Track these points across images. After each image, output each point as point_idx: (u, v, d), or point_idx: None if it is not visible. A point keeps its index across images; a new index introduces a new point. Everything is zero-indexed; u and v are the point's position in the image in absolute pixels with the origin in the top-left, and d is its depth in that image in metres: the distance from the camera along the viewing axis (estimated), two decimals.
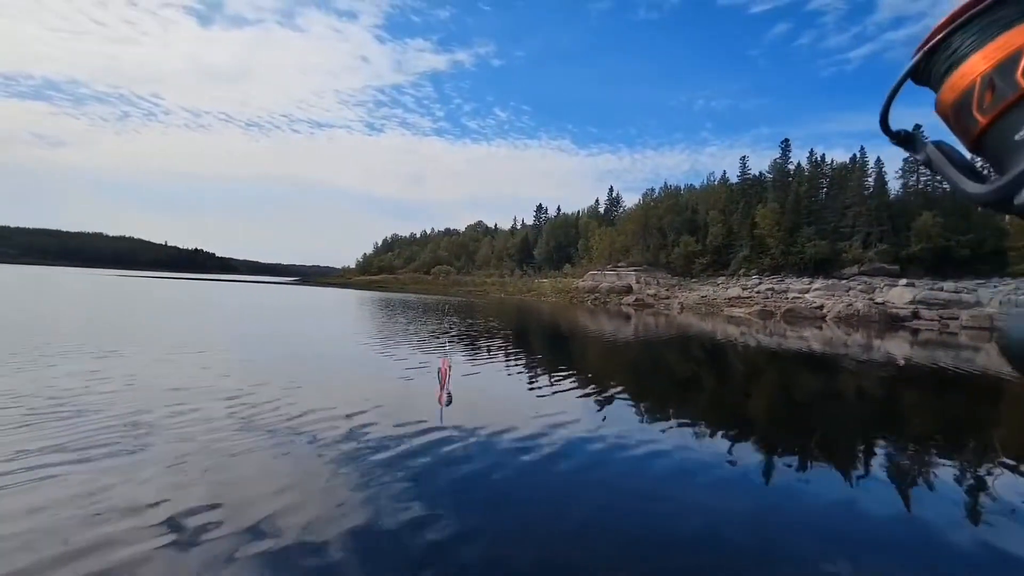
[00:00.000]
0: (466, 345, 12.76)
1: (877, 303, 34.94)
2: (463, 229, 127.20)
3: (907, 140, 0.54)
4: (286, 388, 6.85)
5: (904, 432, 6.76)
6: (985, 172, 0.44)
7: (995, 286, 34.71)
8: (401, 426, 5.37)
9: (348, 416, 5.64)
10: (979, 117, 0.43)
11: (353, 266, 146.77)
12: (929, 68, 0.49)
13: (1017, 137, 0.39)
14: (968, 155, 0.47)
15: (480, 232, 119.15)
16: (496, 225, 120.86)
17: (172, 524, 3.11)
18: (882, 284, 38.51)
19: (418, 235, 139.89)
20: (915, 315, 32.48)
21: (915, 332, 25.90)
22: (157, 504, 3.35)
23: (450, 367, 4.02)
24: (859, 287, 38.87)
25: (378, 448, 4.66)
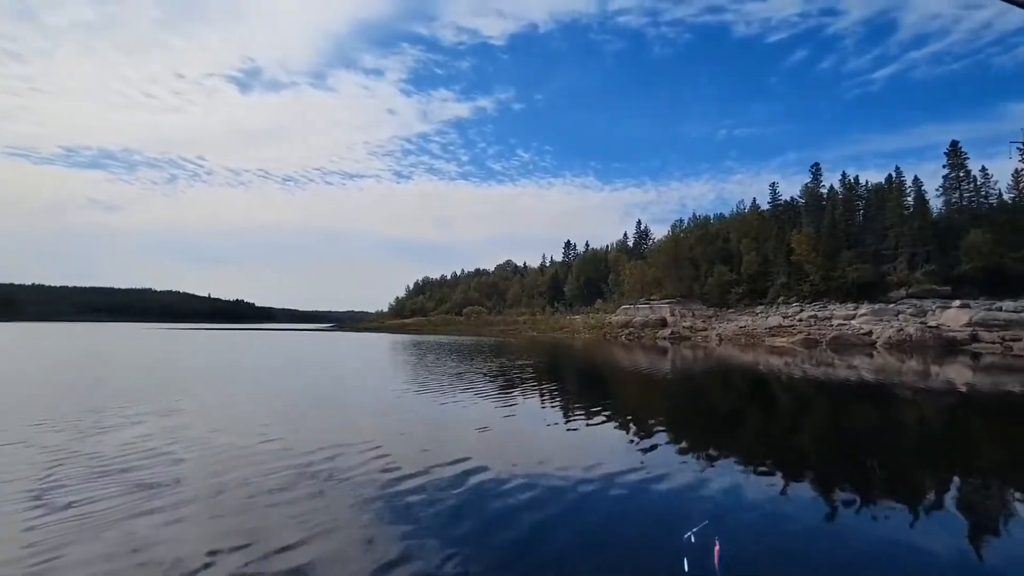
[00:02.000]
0: (513, 385, 12.68)
1: (930, 327, 33.12)
2: (492, 269, 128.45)
3: None
4: (332, 436, 6.92)
5: (971, 466, 6.27)
6: None
7: None
8: (453, 476, 5.33)
9: (409, 468, 5.63)
10: None
11: (386, 310, 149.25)
12: None
13: None
14: None
15: (509, 271, 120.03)
16: (525, 264, 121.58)
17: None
18: (934, 306, 36.56)
19: (448, 277, 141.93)
20: (974, 338, 30.57)
21: (976, 356, 24.32)
22: (205, 555, 3.39)
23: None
24: (909, 310, 36.99)
25: (432, 500, 4.63)
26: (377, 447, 6.23)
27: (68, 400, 9.86)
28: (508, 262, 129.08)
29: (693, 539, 3.17)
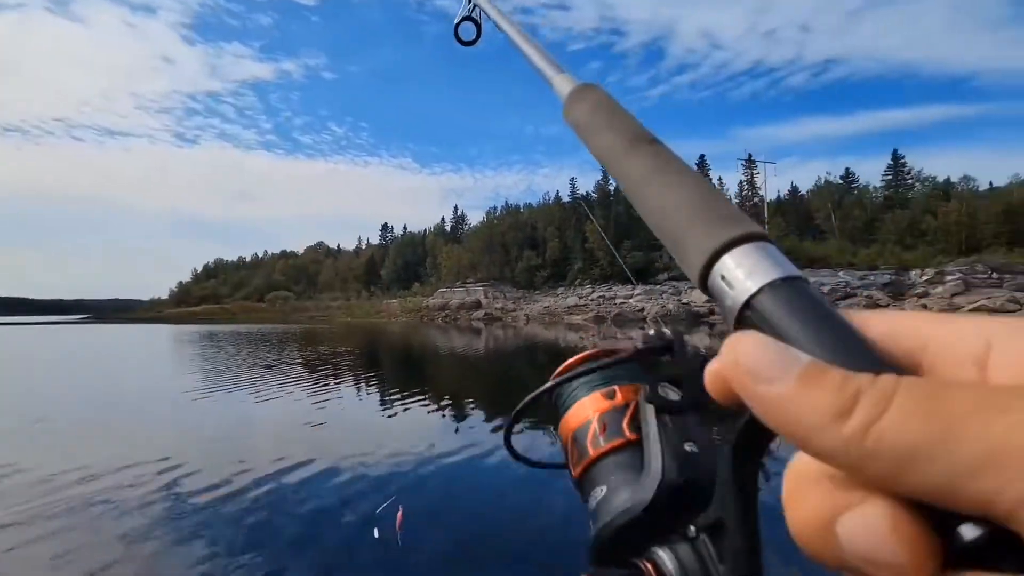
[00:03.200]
0: (317, 376, 12.08)
1: (683, 303, 41.29)
2: (302, 251, 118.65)
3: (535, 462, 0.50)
4: (111, 454, 5.86)
5: None
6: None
7: None
8: (235, 475, 5.01)
9: (175, 471, 5.05)
10: (571, 469, 0.42)
11: (166, 297, 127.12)
12: (558, 396, 0.47)
13: (590, 503, 0.39)
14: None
15: (321, 253, 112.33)
16: (339, 246, 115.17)
17: None
18: (686, 287, 45.57)
19: (248, 259, 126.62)
20: (711, 312, 39.11)
21: (712, 326, 31.28)
22: None
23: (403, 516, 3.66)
24: (669, 291, 45.47)
25: (218, 499, 4.30)
26: (171, 459, 5.44)
27: None
28: (320, 243, 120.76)
29: (381, 510, 3.86)
